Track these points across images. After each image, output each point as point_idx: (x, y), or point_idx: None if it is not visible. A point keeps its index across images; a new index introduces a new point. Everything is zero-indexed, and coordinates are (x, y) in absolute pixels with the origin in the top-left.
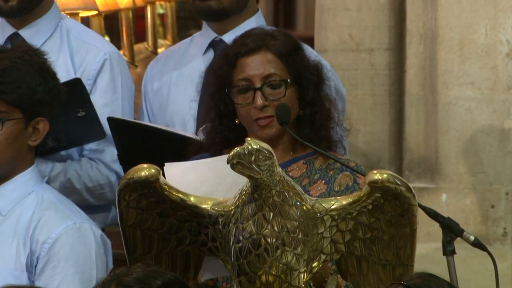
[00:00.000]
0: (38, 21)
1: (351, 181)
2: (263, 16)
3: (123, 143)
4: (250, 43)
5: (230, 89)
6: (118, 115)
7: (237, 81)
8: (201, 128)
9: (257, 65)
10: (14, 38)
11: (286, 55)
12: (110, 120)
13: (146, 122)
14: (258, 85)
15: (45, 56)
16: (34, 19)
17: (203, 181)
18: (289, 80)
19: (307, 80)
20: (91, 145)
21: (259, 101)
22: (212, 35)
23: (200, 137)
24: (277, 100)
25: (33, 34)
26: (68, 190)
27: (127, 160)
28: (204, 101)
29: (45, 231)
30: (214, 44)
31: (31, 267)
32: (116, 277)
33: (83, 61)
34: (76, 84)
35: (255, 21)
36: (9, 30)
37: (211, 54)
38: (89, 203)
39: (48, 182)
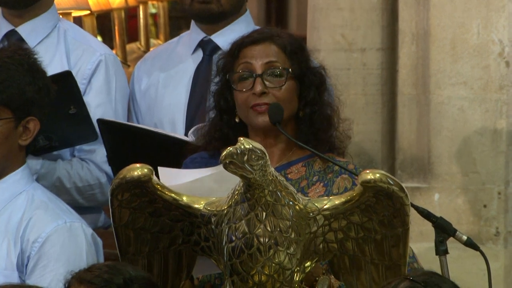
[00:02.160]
0: (36, 19)
1: (349, 184)
2: (251, 16)
3: (112, 145)
4: (255, 36)
5: (231, 76)
6: (111, 116)
7: (238, 66)
8: (191, 130)
9: (260, 53)
10: (11, 35)
11: (290, 51)
12: (100, 121)
13: (136, 124)
14: (258, 71)
15: (35, 56)
16: (32, 17)
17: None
18: (290, 70)
19: (309, 80)
20: (83, 145)
21: (258, 87)
22: (201, 35)
23: (191, 138)
24: (277, 89)
25: (30, 32)
26: (57, 189)
27: (117, 161)
28: (193, 101)
29: (35, 230)
30: (203, 44)
31: (21, 266)
32: (78, 274)
33: (78, 60)
34: (66, 78)
35: (243, 21)
36: (6, 27)
37: (200, 53)
38: (79, 203)
39: (37, 180)
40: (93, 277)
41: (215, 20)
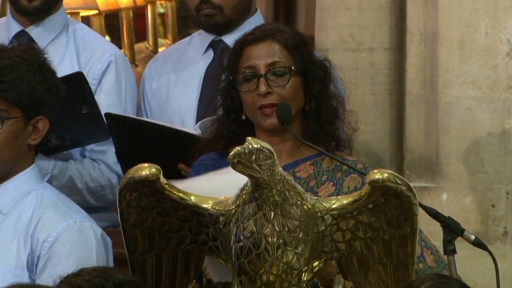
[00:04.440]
0: (46, 20)
1: (359, 183)
2: (261, 15)
3: (121, 139)
4: (257, 33)
5: (235, 77)
6: None
7: (242, 68)
8: (198, 124)
9: (262, 53)
10: (21, 36)
11: (292, 47)
12: (108, 116)
13: (144, 118)
14: (262, 72)
15: (45, 55)
16: (42, 18)
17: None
18: (293, 68)
19: (313, 74)
20: (94, 146)
21: (263, 87)
22: (212, 35)
23: (197, 131)
24: (281, 87)
25: (40, 33)
26: (69, 189)
27: (125, 157)
28: (204, 101)
29: (45, 230)
30: (213, 44)
31: (31, 266)
32: (68, 279)
33: (88, 60)
34: (78, 78)
35: (254, 21)
36: (16, 28)
37: (210, 54)
38: (90, 203)
39: (50, 180)
40: (83, 282)
41: (223, 30)
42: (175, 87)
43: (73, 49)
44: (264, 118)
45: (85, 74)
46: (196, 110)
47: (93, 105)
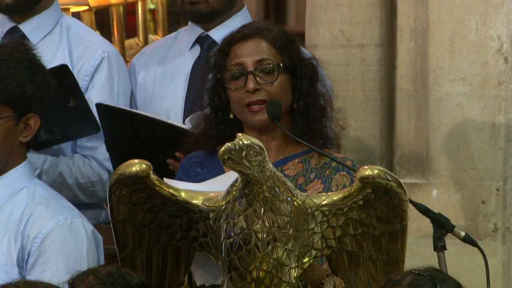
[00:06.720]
0: (39, 16)
1: (348, 181)
2: (248, 11)
3: (111, 129)
4: (245, 31)
5: (222, 75)
6: None
7: (230, 66)
8: (188, 118)
9: (250, 50)
10: (14, 32)
11: (280, 44)
12: (99, 106)
13: (135, 110)
14: (250, 69)
15: (34, 51)
16: (35, 14)
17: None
18: (281, 65)
19: (301, 72)
20: (85, 142)
21: (251, 84)
22: (199, 31)
23: (187, 126)
24: (269, 84)
25: (33, 29)
26: (59, 185)
27: (114, 147)
28: (190, 97)
29: (36, 226)
30: (200, 40)
31: (22, 262)
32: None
33: (81, 57)
34: (63, 71)
35: (241, 17)
36: (8, 24)
37: (197, 49)
38: (80, 200)
39: (39, 175)
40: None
41: (207, 19)
42: (161, 82)
43: (66, 45)
44: (252, 115)
45: (77, 70)
46: (183, 106)
47: (81, 97)
